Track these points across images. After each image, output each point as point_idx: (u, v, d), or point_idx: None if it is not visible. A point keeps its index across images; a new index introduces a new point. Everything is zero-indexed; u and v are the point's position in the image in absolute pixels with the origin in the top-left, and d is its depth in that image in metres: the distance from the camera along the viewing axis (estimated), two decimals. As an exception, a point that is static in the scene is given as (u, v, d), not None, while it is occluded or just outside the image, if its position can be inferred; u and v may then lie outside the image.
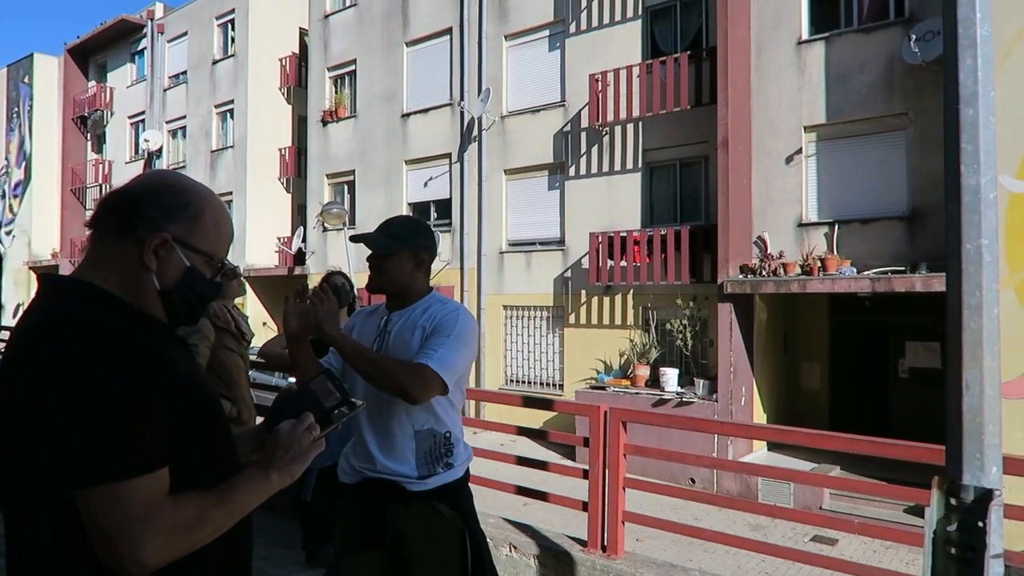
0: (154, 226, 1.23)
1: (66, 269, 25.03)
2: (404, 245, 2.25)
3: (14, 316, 27.52)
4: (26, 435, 1.10)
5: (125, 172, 24.67)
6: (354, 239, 2.34)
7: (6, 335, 12.89)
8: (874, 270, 9.41)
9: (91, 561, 1.10)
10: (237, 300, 5.28)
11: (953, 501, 1.66)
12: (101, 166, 25.48)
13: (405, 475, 2.18)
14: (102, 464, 1.07)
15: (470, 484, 2.39)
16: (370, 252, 2.28)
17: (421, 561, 2.15)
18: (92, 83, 26.50)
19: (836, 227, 10.06)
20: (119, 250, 1.24)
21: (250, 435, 1.51)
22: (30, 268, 27.67)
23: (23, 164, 28.19)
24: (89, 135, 26.69)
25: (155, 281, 1.24)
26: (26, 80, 28.16)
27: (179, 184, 1.30)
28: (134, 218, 1.23)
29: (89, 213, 26.09)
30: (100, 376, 1.08)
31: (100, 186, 25.53)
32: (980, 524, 1.59)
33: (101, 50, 26.15)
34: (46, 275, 1.26)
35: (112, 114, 25.48)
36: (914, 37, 9.18)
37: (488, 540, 2.53)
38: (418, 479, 2.18)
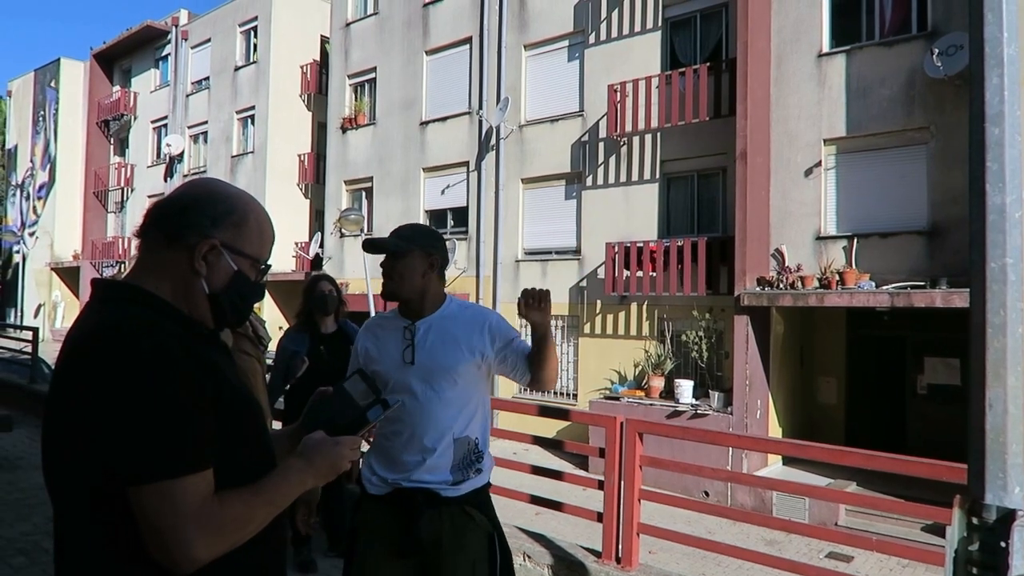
0: (203, 233, 1.28)
1: (87, 271, 25.36)
2: (414, 244, 2.27)
3: (35, 316, 27.87)
4: (80, 434, 1.13)
5: (147, 176, 24.98)
6: (366, 246, 2.34)
7: (28, 335, 13.06)
8: (893, 285, 9.32)
9: (140, 556, 1.13)
10: (255, 304, 5.41)
11: (975, 521, 1.65)
12: (123, 169, 25.83)
13: (440, 482, 2.22)
14: (155, 463, 1.11)
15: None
16: (383, 257, 2.30)
17: (453, 566, 2.18)
18: (116, 88, 26.90)
19: (855, 241, 9.99)
20: (170, 257, 1.28)
21: (285, 435, 1.55)
22: (52, 269, 28.04)
23: (48, 167, 28.64)
24: (112, 139, 27.07)
25: (204, 286, 1.29)
26: (52, 84, 28.65)
27: (224, 191, 1.35)
28: (183, 226, 1.28)
29: (111, 216, 26.48)
30: (153, 378, 1.12)
31: (122, 189, 25.88)
32: (1002, 544, 1.57)
33: (126, 55, 26.56)
34: (99, 280, 1.31)
35: (135, 118, 25.85)
36: (937, 51, 9.12)
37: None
38: (452, 484, 2.23)
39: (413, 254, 2.25)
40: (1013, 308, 1.66)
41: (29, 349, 12.51)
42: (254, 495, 1.22)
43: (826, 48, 10.49)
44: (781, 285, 10.14)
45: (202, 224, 1.28)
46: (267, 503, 1.23)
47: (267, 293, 18.85)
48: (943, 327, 9.66)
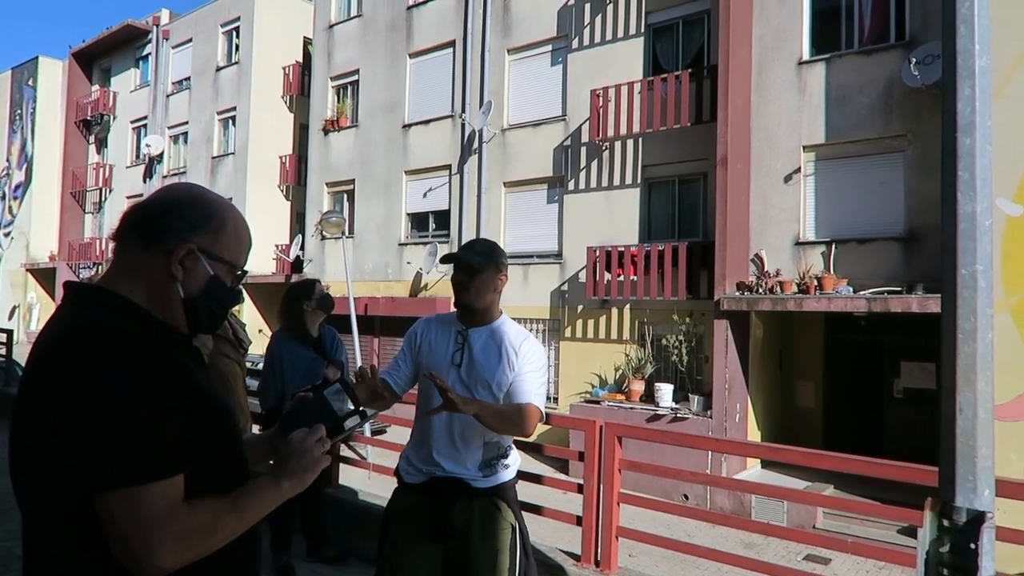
0: (181, 237, 1.27)
1: (64, 272, 24.98)
2: (491, 261, 2.47)
3: (10, 318, 27.39)
4: (48, 439, 1.12)
5: (126, 176, 24.68)
6: (447, 259, 2.51)
7: (2, 337, 12.85)
8: (871, 290, 9.44)
9: (107, 562, 1.12)
10: (235, 307, 5.39)
11: (946, 523, 1.67)
12: (102, 170, 25.50)
13: (471, 474, 2.45)
14: (122, 469, 1.10)
15: None
16: (458, 271, 2.47)
17: (478, 552, 2.36)
18: (96, 87, 26.57)
19: (833, 246, 10.10)
20: (146, 260, 1.27)
21: (262, 441, 1.54)
22: (27, 270, 27.59)
23: (24, 166, 28.20)
24: (91, 139, 26.72)
25: (180, 290, 1.28)
26: (30, 83, 28.23)
27: (203, 197, 1.35)
28: (162, 229, 1.27)
29: (89, 216, 26.12)
30: (122, 383, 1.11)
31: (100, 190, 25.55)
32: (972, 546, 1.60)
33: (106, 55, 26.23)
34: (71, 283, 1.29)
35: (115, 118, 25.53)
36: (914, 60, 9.26)
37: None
38: (482, 477, 2.46)
39: (489, 270, 2.46)
40: (983, 314, 1.69)
41: (3, 352, 12.31)
42: (225, 504, 1.21)
43: (806, 56, 10.62)
44: (760, 290, 10.23)
45: (181, 228, 1.28)
46: (236, 509, 1.22)
47: (247, 296, 18.71)
48: (919, 332, 9.78)
